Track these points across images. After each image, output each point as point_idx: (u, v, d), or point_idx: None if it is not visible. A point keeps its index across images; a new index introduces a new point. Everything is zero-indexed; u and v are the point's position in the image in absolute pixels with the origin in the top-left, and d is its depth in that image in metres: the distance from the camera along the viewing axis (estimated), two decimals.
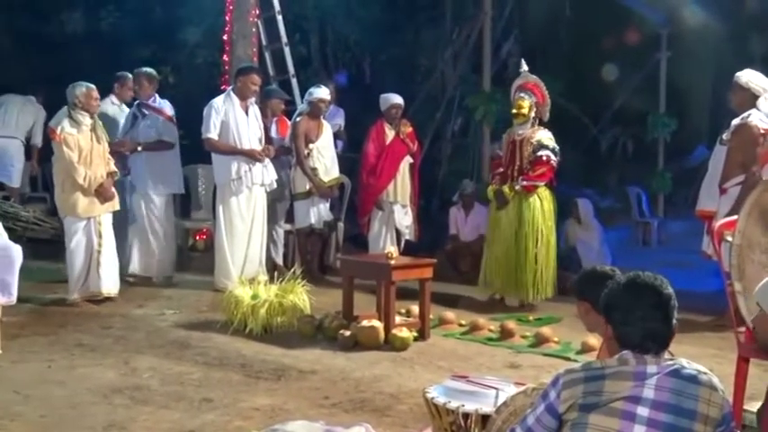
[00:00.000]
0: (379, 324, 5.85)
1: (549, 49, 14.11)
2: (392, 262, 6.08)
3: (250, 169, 7.59)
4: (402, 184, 8.60)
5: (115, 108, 8.45)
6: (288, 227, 8.62)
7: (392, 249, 6.39)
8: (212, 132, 7.55)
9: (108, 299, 7.02)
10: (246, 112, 7.68)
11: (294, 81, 10.20)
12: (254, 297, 6.22)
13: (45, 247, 8.84)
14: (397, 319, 6.14)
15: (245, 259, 7.60)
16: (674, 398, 2.38)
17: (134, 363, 5.32)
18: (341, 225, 9.02)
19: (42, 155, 10.21)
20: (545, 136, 7.29)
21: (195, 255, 9.58)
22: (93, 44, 12.88)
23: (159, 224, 7.92)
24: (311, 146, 8.26)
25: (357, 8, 13.35)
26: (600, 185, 14.33)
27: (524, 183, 7.19)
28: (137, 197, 7.91)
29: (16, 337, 5.89)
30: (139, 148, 7.83)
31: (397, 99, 8.64)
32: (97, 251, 6.95)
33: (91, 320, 6.48)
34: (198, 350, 5.66)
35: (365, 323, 5.87)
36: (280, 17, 10.22)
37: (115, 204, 7.14)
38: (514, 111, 7.37)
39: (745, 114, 6.24)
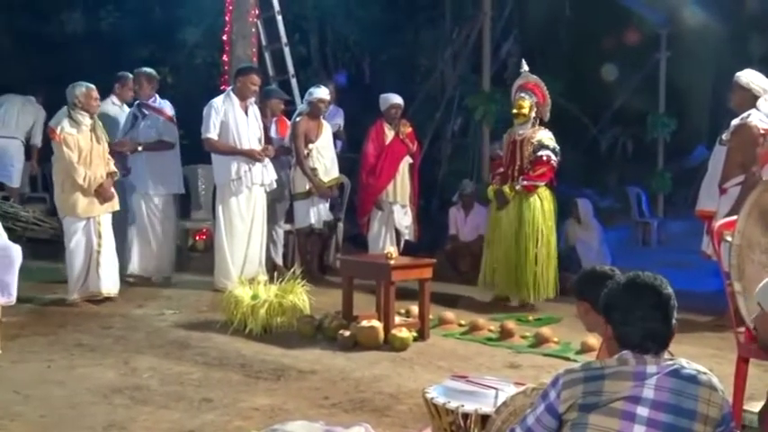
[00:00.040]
0: (378, 324, 5.85)
1: (549, 49, 14.11)
2: (392, 262, 6.08)
3: (250, 169, 7.59)
4: (402, 185, 8.60)
5: (116, 108, 8.46)
6: (287, 227, 8.62)
7: (392, 249, 6.40)
8: (212, 132, 7.55)
9: (108, 299, 7.02)
10: (246, 113, 7.68)
11: (294, 81, 10.20)
12: (254, 297, 6.22)
13: (45, 247, 8.84)
14: (397, 319, 6.14)
15: (245, 259, 7.60)
16: (673, 398, 2.38)
17: (134, 363, 5.32)
18: (341, 225, 9.03)
19: (42, 155, 10.21)
20: (545, 136, 7.29)
21: (195, 255, 9.58)
22: (93, 44, 12.88)
23: (159, 224, 7.92)
24: (311, 146, 8.26)
25: (356, 8, 13.36)
26: (600, 185, 14.34)
27: (525, 183, 7.19)
28: (137, 197, 7.91)
29: (16, 337, 5.89)
30: (140, 148, 7.83)
31: (397, 99, 8.64)
32: (97, 251, 6.95)
33: (91, 320, 6.48)
34: (198, 350, 5.66)
35: (365, 323, 5.87)
36: (279, 17, 10.22)
37: (115, 204, 7.14)
38: (515, 111, 7.38)
39: (745, 114, 6.24)
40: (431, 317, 6.35)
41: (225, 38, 9.76)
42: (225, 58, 9.78)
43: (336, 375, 5.12)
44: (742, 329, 3.75)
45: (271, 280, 6.67)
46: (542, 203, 7.23)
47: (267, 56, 10.43)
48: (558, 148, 7.32)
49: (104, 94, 7.74)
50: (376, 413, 4.41)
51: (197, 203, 9.54)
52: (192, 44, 12.97)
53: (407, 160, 8.64)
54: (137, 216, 7.88)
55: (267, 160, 7.71)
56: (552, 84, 7.64)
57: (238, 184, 7.58)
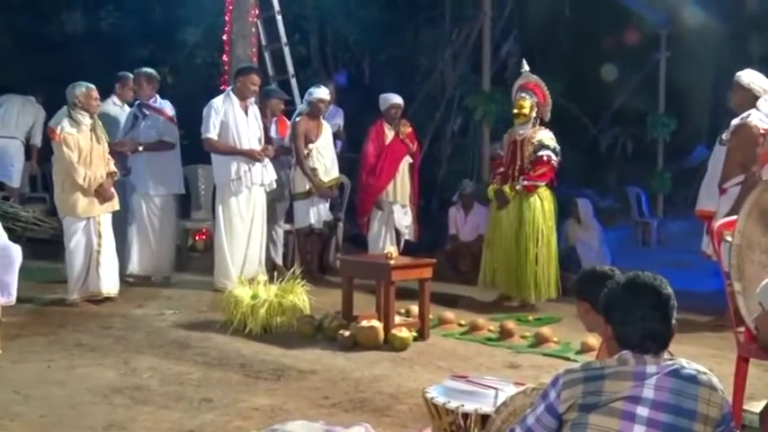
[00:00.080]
0: (378, 324, 5.85)
1: (549, 49, 14.11)
2: (392, 262, 6.08)
3: (249, 169, 7.59)
4: (402, 184, 8.60)
5: (117, 108, 8.47)
6: (287, 227, 8.62)
7: (392, 249, 6.40)
8: (212, 132, 7.55)
9: (107, 299, 7.02)
10: (246, 113, 7.68)
11: (293, 81, 10.20)
12: (254, 297, 6.22)
13: (44, 247, 8.84)
14: (397, 319, 6.14)
15: (245, 259, 7.60)
16: (673, 398, 2.38)
17: (134, 363, 5.32)
18: (341, 225, 9.03)
19: (42, 155, 10.21)
20: (546, 136, 7.29)
21: (195, 255, 9.58)
22: (93, 44, 12.88)
23: (159, 224, 7.92)
24: (311, 146, 8.26)
25: (356, 8, 13.36)
26: (599, 185, 14.33)
27: (525, 182, 7.19)
28: (137, 197, 7.90)
29: (16, 337, 5.89)
30: (140, 149, 7.83)
31: (397, 99, 8.64)
32: (97, 251, 6.95)
33: (90, 320, 6.49)
34: (197, 350, 5.66)
35: (365, 323, 5.87)
36: (279, 17, 10.22)
37: (115, 204, 7.14)
38: (515, 111, 7.37)
39: (745, 114, 6.23)
40: (431, 317, 6.35)
41: (225, 38, 9.76)
42: (225, 57, 9.78)
43: (336, 375, 5.13)
44: (742, 329, 3.75)
45: (270, 280, 6.67)
46: (543, 203, 7.23)
47: (267, 56, 10.43)
48: (559, 148, 7.32)
49: (104, 95, 7.75)
50: (376, 413, 4.41)
51: (197, 203, 9.54)
52: (192, 44, 12.97)
53: (407, 160, 8.64)
54: (137, 216, 7.88)
55: (267, 160, 7.71)
56: (552, 84, 7.64)
57: (238, 184, 7.58)
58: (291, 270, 6.68)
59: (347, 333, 5.83)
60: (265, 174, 7.71)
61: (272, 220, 8.19)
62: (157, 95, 8.03)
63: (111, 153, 7.29)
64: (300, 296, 6.29)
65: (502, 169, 7.49)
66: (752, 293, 3.47)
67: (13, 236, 6.98)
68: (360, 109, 10.45)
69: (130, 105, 8.31)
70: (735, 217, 3.79)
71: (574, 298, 3.34)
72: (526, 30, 13.43)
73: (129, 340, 5.93)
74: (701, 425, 2.38)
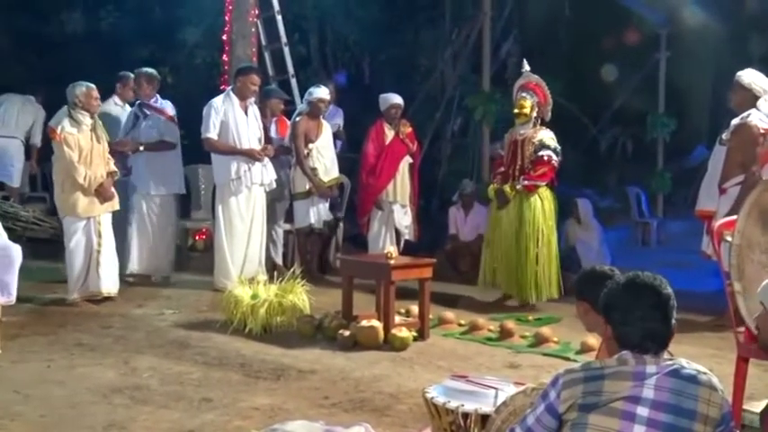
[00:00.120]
0: (378, 324, 5.85)
1: (549, 49, 14.10)
2: (392, 262, 6.08)
3: (249, 169, 7.59)
4: (401, 184, 8.60)
5: (118, 108, 8.49)
6: (287, 227, 8.63)
7: (392, 249, 6.40)
8: (212, 132, 7.55)
9: (107, 298, 7.02)
10: (246, 112, 7.68)
11: (293, 81, 10.21)
12: (254, 297, 6.22)
13: (44, 246, 8.84)
14: (397, 318, 6.14)
15: (245, 259, 7.60)
16: (673, 398, 2.38)
17: (134, 362, 5.32)
18: (341, 225, 9.02)
19: (42, 154, 10.21)
20: (547, 136, 7.29)
21: (195, 255, 9.59)
22: (93, 44, 12.89)
23: (159, 224, 7.92)
24: (311, 146, 8.26)
25: (356, 8, 13.36)
26: (599, 185, 14.33)
27: (525, 182, 7.18)
28: (137, 197, 7.90)
29: (16, 336, 5.89)
30: (141, 148, 7.82)
31: (397, 99, 8.64)
32: (97, 251, 6.95)
33: (90, 320, 6.49)
34: (197, 350, 5.66)
35: (365, 323, 5.87)
36: (279, 17, 10.23)
37: (115, 204, 7.14)
38: (516, 110, 7.37)
39: (745, 114, 6.23)
40: (431, 317, 6.35)
41: (225, 38, 9.76)
42: (225, 57, 9.78)
43: (336, 375, 5.13)
44: (742, 329, 3.75)
45: (270, 280, 6.67)
46: (543, 203, 7.22)
47: (267, 56, 10.43)
48: (560, 148, 7.32)
49: (104, 94, 7.75)
50: (376, 413, 4.41)
51: (197, 203, 9.54)
52: (192, 44, 12.98)
53: (407, 160, 8.65)
54: (137, 216, 7.87)
55: (267, 160, 7.71)
56: (552, 84, 7.64)
57: (238, 184, 7.58)
58: (291, 270, 6.68)
59: (347, 333, 5.84)
60: (265, 173, 7.71)
61: (271, 219, 8.20)
62: (158, 95, 8.04)
63: (112, 153, 7.29)
64: (300, 296, 6.29)
65: (502, 169, 7.49)
66: (752, 293, 3.47)
67: (13, 235, 6.98)
68: (360, 109, 10.45)
69: (131, 105, 8.32)
70: (735, 217, 3.79)
71: (574, 298, 3.34)
72: (526, 30, 13.43)
73: (128, 340, 5.93)
74: (701, 425, 2.38)
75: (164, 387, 4.82)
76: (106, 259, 7.00)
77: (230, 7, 9.62)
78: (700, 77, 14.39)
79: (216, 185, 7.86)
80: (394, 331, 5.82)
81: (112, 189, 7.09)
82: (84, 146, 6.89)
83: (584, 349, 5.61)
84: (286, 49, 10.29)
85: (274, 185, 7.90)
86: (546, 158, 7.19)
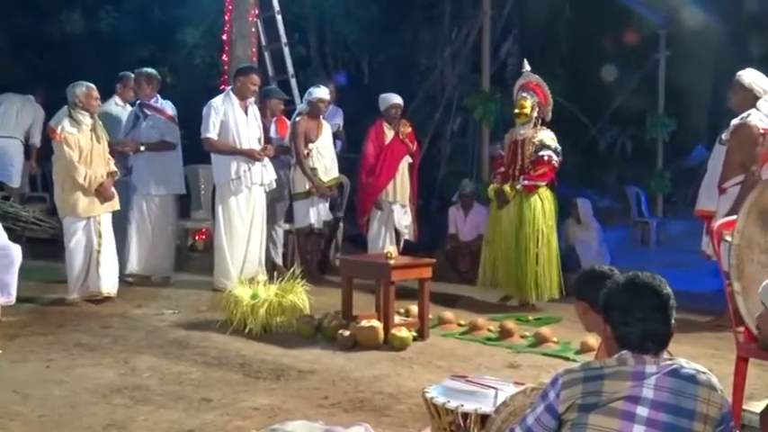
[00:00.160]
0: (378, 324, 5.85)
1: (549, 48, 14.13)
2: (391, 262, 6.08)
3: (249, 169, 7.59)
4: (401, 184, 8.60)
5: (119, 108, 8.50)
6: (287, 227, 8.62)
7: (391, 249, 6.39)
8: (211, 132, 7.55)
9: (107, 298, 7.02)
10: (246, 112, 7.68)
11: (293, 81, 10.21)
12: (254, 297, 6.21)
13: (44, 246, 8.84)
14: (397, 318, 6.14)
15: (245, 259, 7.60)
16: (673, 398, 2.38)
17: (133, 362, 5.32)
18: (341, 225, 9.02)
19: (41, 154, 10.22)
20: (547, 136, 7.29)
21: (194, 255, 9.59)
22: (92, 44, 12.91)
23: (160, 224, 7.91)
24: (311, 146, 8.26)
25: (356, 8, 13.37)
26: (599, 185, 14.35)
27: (525, 182, 7.18)
28: (138, 197, 7.89)
29: (15, 336, 5.89)
30: (142, 149, 7.82)
31: (397, 99, 8.64)
32: (97, 251, 6.95)
33: (90, 320, 6.48)
34: (197, 350, 5.66)
35: (364, 323, 5.87)
36: (279, 17, 10.23)
37: (115, 204, 7.14)
38: (517, 111, 7.38)
39: (745, 114, 6.23)
40: (430, 316, 6.34)
41: (224, 38, 9.77)
42: (224, 57, 9.79)
43: (336, 375, 5.13)
44: (741, 329, 3.75)
45: (270, 280, 6.67)
46: (543, 203, 7.22)
47: (267, 56, 10.44)
48: (560, 148, 7.32)
49: (104, 94, 7.75)
50: (375, 413, 4.41)
51: (197, 203, 9.54)
52: (192, 44, 12.99)
53: (407, 160, 8.64)
54: (137, 216, 7.87)
55: (267, 160, 7.71)
56: (551, 83, 7.64)
57: (238, 184, 7.58)
58: (291, 270, 6.67)
59: (347, 333, 5.83)
60: (265, 173, 7.71)
61: (271, 219, 8.20)
62: (158, 95, 8.03)
63: (112, 153, 7.30)
64: (300, 296, 6.29)
65: (502, 169, 7.49)
66: (751, 293, 3.47)
67: (13, 235, 6.99)
68: (359, 109, 10.45)
69: (132, 105, 8.32)
70: (734, 217, 3.79)
71: (573, 298, 3.34)
72: (526, 29, 13.45)
73: (128, 340, 5.92)
74: (701, 424, 2.38)
75: (163, 387, 4.82)
76: (106, 259, 7.00)
77: (230, 7, 9.63)
78: (699, 77, 14.39)
79: (216, 185, 7.86)
80: (394, 331, 5.82)
81: (113, 189, 7.09)
82: (84, 146, 6.89)
83: (584, 349, 5.60)
84: (286, 49, 10.29)
85: (274, 185, 7.90)
86: (546, 158, 7.19)
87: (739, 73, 6.41)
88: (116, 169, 7.21)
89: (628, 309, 2.51)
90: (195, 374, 5.08)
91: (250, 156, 7.58)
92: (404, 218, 8.67)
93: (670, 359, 2.49)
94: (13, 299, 5.72)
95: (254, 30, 9.84)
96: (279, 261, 8.44)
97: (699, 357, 4.60)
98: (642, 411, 2.37)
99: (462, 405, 3.55)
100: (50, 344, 5.75)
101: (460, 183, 9.66)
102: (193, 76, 12.61)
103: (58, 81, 7.74)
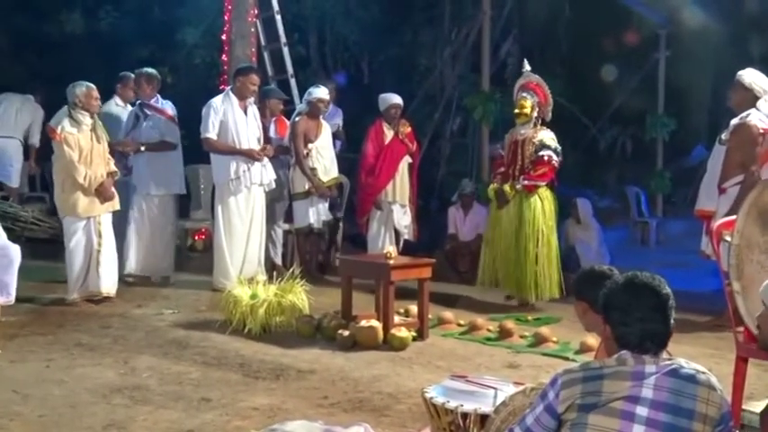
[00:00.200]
0: (377, 324, 5.85)
1: (548, 48, 14.12)
2: (391, 262, 6.08)
3: (249, 169, 7.58)
4: (401, 184, 8.60)
5: (119, 108, 8.51)
6: (286, 227, 8.62)
7: (391, 249, 6.40)
8: (211, 132, 7.55)
9: (107, 298, 7.01)
10: (245, 112, 7.68)
11: (293, 81, 10.21)
12: (253, 297, 6.21)
13: (44, 246, 8.84)
14: (396, 318, 6.14)
15: (244, 259, 7.60)
16: (672, 397, 2.38)
17: (133, 362, 5.32)
18: (340, 225, 9.02)
19: (41, 154, 10.21)
20: (547, 136, 7.29)
21: (194, 254, 9.59)
22: (92, 44, 12.91)
23: (160, 224, 7.91)
24: (310, 146, 8.26)
25: (356, 8, 13.37)
26: (599, 185, 14.35)
27: (525, 182, 7.18)
28: (138, 197, 7.89)
29: (15, 336, 5.89)
30: (142, 149, 7.82)
31: (396, 99, 8.63)
32: (97, 250, 6.95)
33: (90, 320, 6.48)
34: (197, 350, 5.66)
35: (364, 323, 5.87)
36: (278, 17, 10.23)
37: (115, 204, 7.14)
38: (517, 111, 7.37)
39: (745, 114, 6.23)
40: (430, 316, 6.34)
41: (224, 38, 9.77)
42: (224, 57, 9.79)
43: (335, 375, 5.13)
44: (741, 329, 3.75)
45: (270, 279, 6.67)
46: (543, 203, 7.22)
47: (266, 56, 10.43)
48: (560, 148, 7.31)
49: (103, 94, 7.74)
50: (375, 413, 4.41)
51: (196, 203, 9.54)
52: (192, 44, 12.99)
53: (407, 160, 8.64)
54: (137, 216, 7.86)
55: (266, 160, 7.71)
56: (551, 83, 7.64)
57: (237, 184, 7.57)
58: (290, 270, 6.67)
59: (346, 333, 5.83)
60: (264, 173, 7.71)
61: (271, 219, 8.19)
62: (159, 95, 8.03)
63: (111, 153, 7.30)
64: (299, 296, 6.29)
65: (503, 169, 7.49)
66: (751, 293, 3.47)
67: (13, 235, 6.98)
68: (359, 109, 10.46)
69: (133, 105, 8.32)
70: (734, 217, 3.79)
71: (573, 298, 3.34)
72: (525, 29, 13.45)
73: (128, 340, 5.92)
74: (700, 424, 2.38)
75: (163, 387, 4.82)
76: (106, 259, 7.00)
77: (229, 7, 9.62)
78: (699, 77, 14.39)
79: (215, 185, 7.85)
80: (393, 331, 5.82)
81: (113, 189, 7.09)
82: (84, 146, 6.89)
83: (584, 349, 5.60)
84: (285, 49, 10.29)
85: (273, 185, 7.90)
86: (546, 158, 7.19)
87: (740, 73, 6.41)
88: (116, 169, 7.21)
89: (627, 309, 2.51)
90: (195, 374, 5.08)
91: (249, 156, 7.58)
92: (403, 218, 8.67)
93: (669, 359, 2.49)
94: (12, 299, 5.72)
95: (253, 30, 9.84)
96: (278, 261, 8.43)
97: (698, 357, 4.60)
98: (642, 411, 2.37)
99: (462, 405, 3.55)
100: (50, 344, 5.75)
101: (460, 183, 9.67)
102: (193, 76, 12.61)
103: (57, 81, 7.74)
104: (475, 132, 11.79)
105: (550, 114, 7.45)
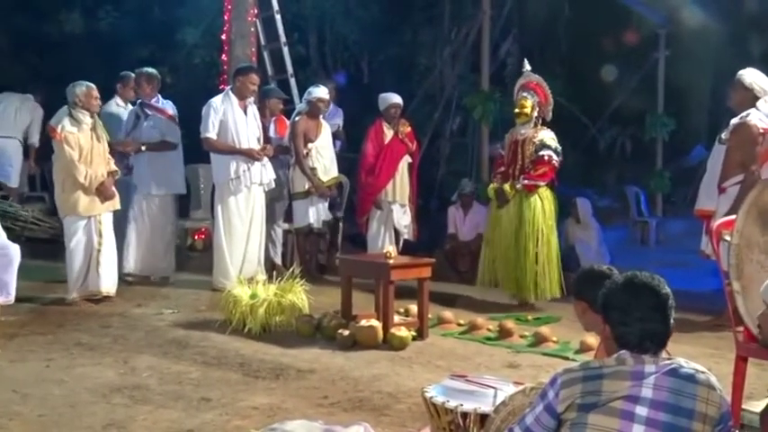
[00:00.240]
0: (377, 323, 5.85)
1: (548, 48, 14.12)
2: (391, 261, 6.08)
3: (248, 169, 7.59)
4: (401, 184, 8.60)
5: (120, 108, 8.51)
6: (286, 226, 8.62)
7: (391, 249, 6.40)
8: (211, 132, 7.55)
9: (106, 298, 7.01)
10: (245, 112, 7.68)
11: (293, 81, 10.21)
12: (253, 296, 6.22)
13: (43, 246, 8.85)
14: (396, 318, 6.15)
15: (244, 259, 7.60)
16: (672, 397, 2.38)
17: (133, 362, 5.32)
18: (340, 224, 9.02)
19: (40, 154, 10.21)
20: (547, 136, 7.29)
21: (194, 254, 9.58)
22: (92, 44, 12.90)
23: (160, 224, 7.91)
24: (310, 145, 8.26)
25: (355, 8, 13.37)
26: (598, 185, 14.35)
27: (525, 182, 7.18)
28: (138, 197, 7.89)
29: (15, 336, 5.89)
30: (143, 148, 7.82)
31: (396, 99, 8.63)
32: (97, 250, 6.95)
33: (90, 320, 6.48)
34: (196, 349, 5.66)
35: (364, 322, 5.87)
36: (278, 17, 10.23)
37: (116, 203, 7.14)
38: (517, 110, 7.38)
39: (745, 114, 6.23)
40: (430, 316, 6.35)
41: (224, 37, 9.77)
42: (224, 57, 9.79)
43: (335, 374, 5.13)
44: (741, 329, 3.75)
45: (269, 279, 6.67)
46: (543, 203, 7.22)
47: (266, 55, 10.43)
48: (560, 148, 7.31)
49: (103, 94, 7.74)
50: (375, 412, 4.41)
51: (196, 203, 9.53)
52: (191, 44, 12.99)
53: (406, 159, 8.64)
54: (137, 215, 7.86)
55: (266, 159, 7.71)
56: (551, 83, 7.65)
57: (237, 184, 7.57)
58: (290, 269, 6.67)
59: (346, 332, 5.83)
60: (264, 173, 7.71)
61: (270, 219, 8.19)
62: (159, 95, 8.03)
63: (112, 152, 7.30)
64: (299, 295, 6.29)
65: (503, 168, 7.49)
66: (751, 293, 3.47)
67: (12, 235, 6.99)
68: (359, 108, 10.45)
69: (133, 105, 8.32)
70: (734, 216, 3.79)
71: (573, 297, 3.34)
72: (525, 29, 13.45)
73: (128, 339, 5.92)
74: (700, 424, 2.38)
75: (163, 386, 4.82)
76: (106, 259, 7.00)
77: (229, 7, 9.62)
78: (699, 77, 14.39)
79: (215, 185, 7.85)
80: (393, 331, 5.82)
81: (113, 188, 7.09)
82: (84, 145, 6.89)
83: (584, 349, 5.61)
84: (285, 49, 10.29)
85: (273, 185, 7.90)
86: (546, 158, 7.19)
87: (740, 72, 6.41)
88: (117, 168, 7.21)
89: (626, 308, 2.51)
90: (194, 374, 5.08)
91: (249, 155, 7.58)
92: (403, 217, 8.67)
93: (669, 359, 2.49)
94: (12, 298, 5.73)
95: (253, 29, 9.84)
96: (278, 261, 8.43)
97: (698, 357, 4.60)
98: (641, 411, 2.37)
99: (461, 404, 3.55)
100: (50, 343, 5.75)
101: (460, 182, 9.67)
102: (193, 76, 12.61)
103: (57, 81, 7.74)
104: (474, 132, 11.79)
105: (551, 114, 7.45)
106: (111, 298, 7.04)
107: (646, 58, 12.96)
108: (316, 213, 8.36)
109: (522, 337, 6.15)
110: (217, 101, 7.63)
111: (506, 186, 7.28)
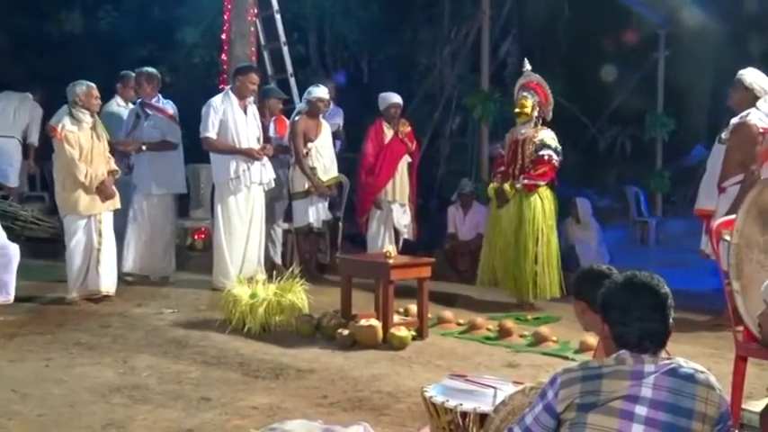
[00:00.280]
0: (377, 323, 5.85)
1: (548, 48, 14.12)
2: (390, 261, 6.08)
3: (248, 168, 7.59)
4: (400, 184, 8.60)
5: (120, 108, 8.51)
6: (286, 226, 8.62)
7: (390, 248, 6.40)
8: (210, 131, 7.55)
9: (106, 297, 7.01)
10: (245, 112, 7.68)
11: (292, 80, 10.21)
12: (253, 296, 6.22)
13: (43, 245, 8.84)
14: (396, 318, 6.15)
15: (244, 258, 7.60)
16: (671, 397, 2.38)
17: (132, 362, 5.32)
18: (340, 224, 9.02)
19: (40, 154, 10.21)
20: (548, 136, 7.29)
21: (194, 254, 9.58)
22: (91, 44, 12.90)
23: (159, 223, 7.91)
24: (310, 145, 8.26)
25: (355, 7, 13.37)
26: (598, 185, 14.35)
27: (525, 181, 7.18)
28: (138, 196, 7.89)
29: (14, 335, 5.89)
30: (144, 148, 7.82)
31: (396, 98, 8.63)
32: (97, 249, 6.95)
33: (89, 319, 6.48)
34: (196, 349, 5.66)
35: (363, 322, 5.87)
36: (278, 16, 10.23)
37: (116, 203, 7.14)
38: (517, 110, 7.38)
39: (744, 113, 6.23)
40: (429, 316, 6.35)
41: (224, 37, 9.76)
42: (224, 57, 9.78)
43: (335, 374, 5.13)
44: (740, 328, 3.75)
45: (269, 279, 6.67)
46: (543, 203, 7.22)
47: (266, 55, 10.43)
48: (560, 147, 7.31)
49: (103, 94, 7.74)
50: (374, 412, 4.41)
51: (196, 202, 9.53)
52: (191, 43, 12.98)
53: (406, 159, 8.64)
54: (137, 215, 7.87)
55: (266, 159, 7.71)
56: (551, 83, 7.64)
57: (237, 183, 7.57)
58: (290, 269, 6.67)
59: (346, 332, 5.83)
60: (264, 173, 7.71)
61: (270, 219, 8.19)
62: (160, 95, 8.03)
63: (112, 152, 7.30)
64: (299, 295, 6.29)
65: (503, 168, 7.49)
66: (750, 293, 3.47)
67: (12, 235, 6.99)
68: (359, 108, 10.45)
69: (133, 104, 8.32)
70: (733, 216, 3.79)
71: (572, 297, 3.34)
72: (525, 29, 13.44)
73: (127, 339, 5.92)
74: (699, 423, 2.38)
75: (162, 386, 4.82)
76: (106, 258, 7.00)
77: (229, 6, 9.62)
78: (699, 77, 14.39)
79: (215, 185, 7.85)
80: (393, 330, 5.82)
81: (113, 187, 7.09)
82: (84, 144, 6.89)
83: (583, 348, 5.61)
84: (285, 49, 10.28)
85: (273, 185, 7.90)
86: (546, 158, 7.19)
87: (741, 72, 6.41)
88: (117, 168, 7.21)
89: (626, 308, 2.51)
90: (194, 373, 5.08)
91: (249, 155, 7.58)
92: (403, 217, 8.67)
93: (668, 358, 2.49)
94: (11, 298, 5.73)
95: (253, 29, 9.83)
96: (278, 260, 8.43)
97: (697, 356, 4.60)
98: (641, 410, 2.37)
99: (461, 404, 3.55)
100: (49, 343, 5.75)
101: (460, 182, 9.67)
102: (193, 76, 12.61)
103: (57, 81, 7.74)
104: (474, 132, 11.79)
105: (551, 114, 7.45)
106: (110, 297, 7.04)
107: (645, 58, 12.96)
108: (315, 213, 8.35)
109: (521, 336, 6.15)
110: (216, 100, 7.63)
111: (506, 186, 7.28)
